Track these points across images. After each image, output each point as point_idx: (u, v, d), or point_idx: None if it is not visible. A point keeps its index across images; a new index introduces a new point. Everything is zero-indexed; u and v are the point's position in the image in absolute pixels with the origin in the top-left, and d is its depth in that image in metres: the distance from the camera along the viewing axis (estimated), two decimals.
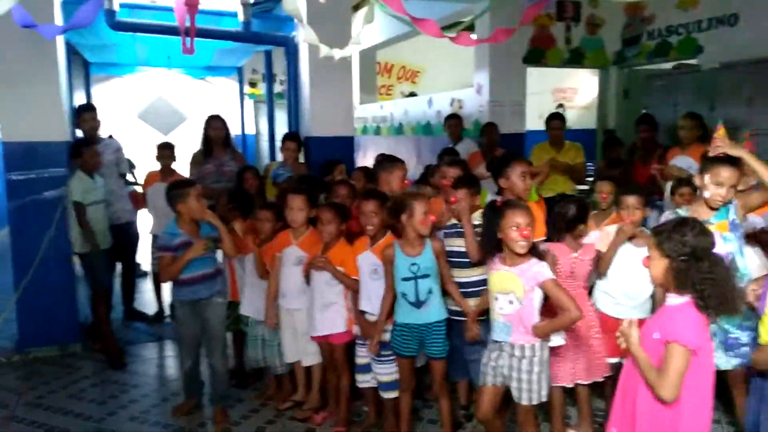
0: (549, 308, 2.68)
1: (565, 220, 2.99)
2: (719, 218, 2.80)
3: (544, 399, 2.64)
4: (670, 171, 4.22)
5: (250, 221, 3.65)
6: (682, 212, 2.88)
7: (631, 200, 3.02)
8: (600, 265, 3.07)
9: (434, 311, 2.92)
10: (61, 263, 4.45)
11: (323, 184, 4.11)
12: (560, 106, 8.83)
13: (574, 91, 9.02)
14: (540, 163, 4.99)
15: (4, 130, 4.36)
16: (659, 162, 4.45)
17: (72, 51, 7.78)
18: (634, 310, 2.98)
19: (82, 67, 9.40)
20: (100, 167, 4.62)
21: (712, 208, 2.81)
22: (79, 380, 4.09)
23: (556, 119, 5.35)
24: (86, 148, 4.44)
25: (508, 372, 2.61)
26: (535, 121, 6.97)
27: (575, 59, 6.84)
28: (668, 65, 6.57)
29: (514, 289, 2.56)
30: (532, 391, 2.58)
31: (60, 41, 4.52)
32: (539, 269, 2.54)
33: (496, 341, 2.65)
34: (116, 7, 5.95)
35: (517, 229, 2.52)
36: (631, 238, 3.03)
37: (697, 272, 1.96)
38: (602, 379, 3.06)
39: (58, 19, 4.43)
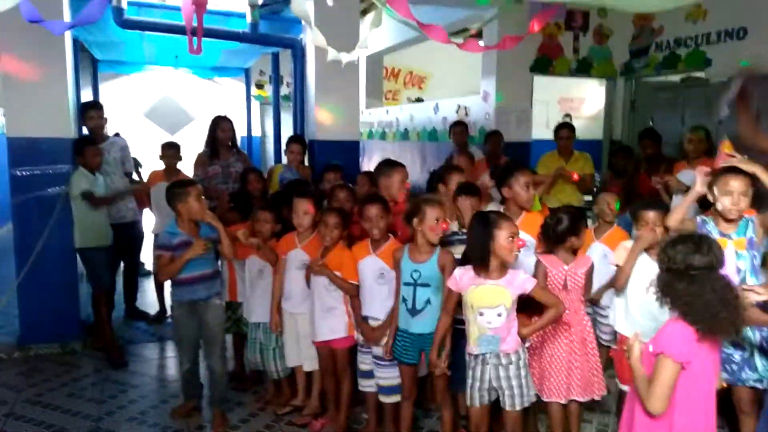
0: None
1: (555, 232, 2.94)
2: (739, 234, 2.80)
3: (533, 400, 2.72)
4: (672, 183, 4.20)
5: (250, 223, 3.63)
6: (710, 224, 2.87)
7: (651, 215, 2.93)
8: (617, 279, 3.00)
9: (430, 322, 2.88)
10: (64, 260, 4.44)
11: (315, 190, 4.11)
12: (567, 115, 8.82)
13: (581, 101, 9.01)
14: (548, 172, 4.97)
15: (8, 125, 4.36)
16: (665, 175, 4.42)
17: (81, 48, 7.80)
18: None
19: (90, 64, 9.43)
20: (101, 166, 4.62)
21: (730, 221, 2.80)
22: (78, 378, 4.08)
23: (564, 128, 5.33)
24: (88, 146, 4.44)
25: (497, 382, 2.64)
26: (541, 129, 6.96)
27: (583, 69, 6.82)
28: (676, 77, 6.55)
29: (503, 302, 2.59)
30: (523, 395, 2.65)
31: (68, 37, 4.53)
32: (524, 278, 2.62)
33: (479, 355, 2.64)
34: (124, 5, 5.97)
35: (513, 239, 2.56)
36: (648, 250, 2.92)
37: (682, 288, 1.95)
38: (599, 398, 3.02)
39: (67, 15, 4.44)
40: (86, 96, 8.54)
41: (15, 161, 4.34)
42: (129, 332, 4.98)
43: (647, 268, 2.85)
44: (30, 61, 4.25)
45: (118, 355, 4.36)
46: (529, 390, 2.67)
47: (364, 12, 7.88)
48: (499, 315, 2.58)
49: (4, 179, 4.47)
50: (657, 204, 3.08)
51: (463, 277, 2.65)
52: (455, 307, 2.76)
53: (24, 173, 4.34)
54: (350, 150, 5.36)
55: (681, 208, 2.94)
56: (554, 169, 5.01)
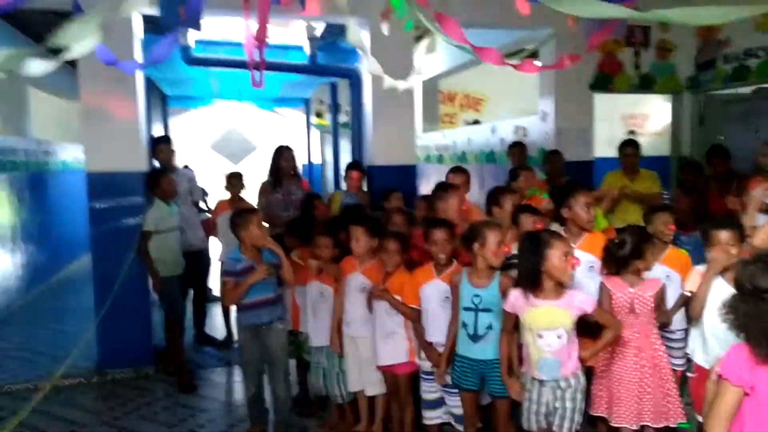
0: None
1: (618, 255, 2.84)
2: None
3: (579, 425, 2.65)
4: (749, 201, 3.99)
5: (309, 249, 3.68)
6: None
7: (724, 235, 2.75)
8: (691, 306, 2.85)
9: (492, 348, 2.84)
10: (138, 289, 4.64)
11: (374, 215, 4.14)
12: (631, 132, 8.57)
13: (646, 117, 8.74)
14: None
15: (88, 160, 4.64)
16: (738, 192, 4.21)
17: (151, 85, 8.26)
18: None
19: (160, 100, 9.95)
20: (177, 195, 4.83)
21: None
22: (151, 403, 4.23)
23: (629, 146, 5.16)
24: (163, 176, 4.66)
25: (552, 405, 2.59)
26: (604, 148, 6.78)
27: (645, 85, 6.63)
28: (747, 90, 6.27)
29: (562, 323, 2.54)
30: (573, 420, 2.60)
31: (140, 76, 4.79)
32: (583, 298, 2.57)
33: (539, 379, 2.59)
34: (191, 44, 6.30)
35: (566, 258, 2.50)
36: (724, 274, 2.74)
37: (744, 309, 1.84)
38: (675, 425, 2.85)
39: (138, 56, 4.72)
40: (157, 130, 9.00)
41: (93, 195, 4.61)
42: (198, 357, 5.13)
43: (723, 294, 2.63)
44: (106, 99, 4.53)
45: (188, 380, 4.49)
46: (579, 416, 2.63)
47: (419, 39, 7.98)
48: (559, 337, 2.53)
49: (81, 212, 4.73)
50: (730, 223, 2.88)
51: (519, 298, 2.61)
52: (514, 327, 2.72)
53: (102, 206, 4.60)
54: (407, 174, 5.39)
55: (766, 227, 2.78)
56: (618, 188, 4.86)
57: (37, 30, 7.02)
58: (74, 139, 9.56)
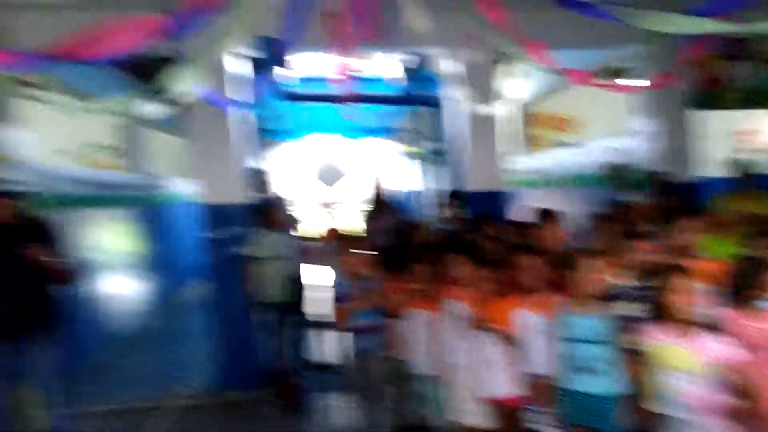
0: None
1: (739, 285, 2.65)
2: None
3: None
4: None
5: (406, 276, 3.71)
6: None
7: None
8: None
9: (599, 382, 2.73)
10: (247, 313, 4.87)
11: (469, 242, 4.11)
12: (741, 150, 8.04)
13: (758, 134, 8.17)
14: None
15: (204, 194, 4.99)
16: None
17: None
18: None
19: (257, 134, 10.48)
20: (285, 225, 5.06)
21: None
22: (261, 425, 4.39)
23: (745, 165, 4.87)
24: (275, 208, 4.94)
25: None
26: (713, 167, 6.40)
27: (751, 99, 6.23)
28: None
29: (689, 366, 2.38)
30: None
31: (242, 113, 5.11)
32: (719, 346, 2.36)
33: (674, 417, 2.45)
34: (285, 80, 6.64)
35: (687, 293, 2.35)
36: None
37: None
38: None
39: (242, 94, 5.03)
40: (255, 164, 9.46)
41: (210, 225, 4.96)
42: (303, 381, 5.21)
43: None
44: (212, 136, 4.88)
45: (296, 404, 4.64)
46: None
47: (505, 64, 7.96)
48: (686, 380, 2.38)
49: (186, 242, 5.05)
50: None
51: (648, 329, 2.52)
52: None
53: (217, 236, 4.93)
54: (500, 200, 5.36)
55: None
56: (737, 213, 4.54)
57: (146, 72, 7.65)
58: (182, 173, 10.24)
